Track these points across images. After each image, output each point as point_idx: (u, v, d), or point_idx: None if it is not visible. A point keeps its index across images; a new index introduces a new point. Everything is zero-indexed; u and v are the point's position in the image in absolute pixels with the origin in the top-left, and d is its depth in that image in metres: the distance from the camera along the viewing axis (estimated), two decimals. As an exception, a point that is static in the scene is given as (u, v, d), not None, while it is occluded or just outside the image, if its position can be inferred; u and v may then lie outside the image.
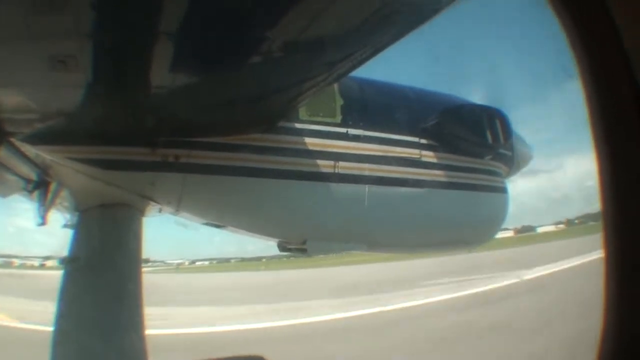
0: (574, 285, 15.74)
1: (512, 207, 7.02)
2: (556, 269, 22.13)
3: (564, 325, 11.67)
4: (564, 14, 1.80)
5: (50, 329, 5.10)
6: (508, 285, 20.46)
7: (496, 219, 6.92)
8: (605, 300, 1.77)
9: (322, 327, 16.03)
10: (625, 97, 1.67)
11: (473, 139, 6.45)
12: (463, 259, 15.48)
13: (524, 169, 7.93)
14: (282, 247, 5.97)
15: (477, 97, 7.13)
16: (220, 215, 5.71)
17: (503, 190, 6.92)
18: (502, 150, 6.94)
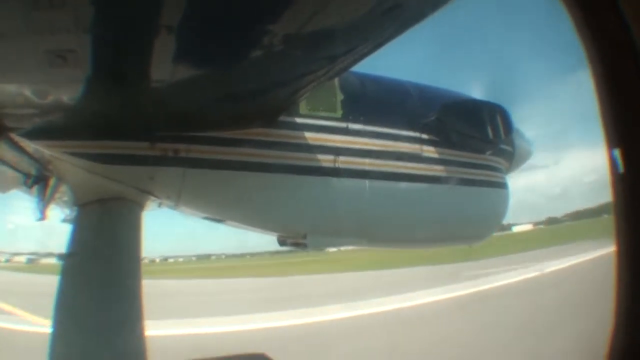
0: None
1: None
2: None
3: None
4: (574, 8, 1.79)
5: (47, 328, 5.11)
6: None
7: (496, 215, 6.92)
8: (616, 295, 1.77)
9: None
10: (636, 88, 1.66)
11: (474, 134, 6.46)
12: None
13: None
14: (281, 242, 5.95)
15: (478, 92, 7.10)
16: (220, 209, 5.69)
17: (503, 185, 6.94)
18: (502, 146, 6.96)
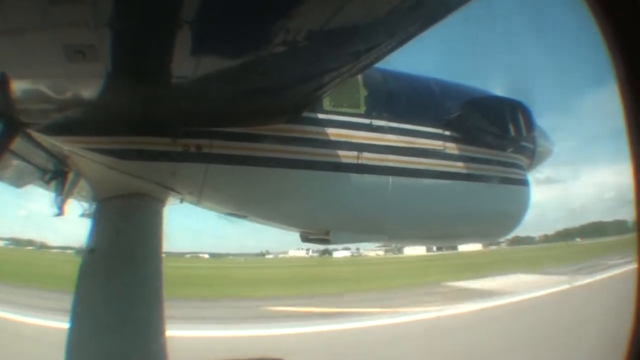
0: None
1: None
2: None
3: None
4: (602, 18, 1.70)
5: (63, 324, 5.07)
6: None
7: (518, 212, 6.87)
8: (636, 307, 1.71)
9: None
10: None
11: (496, 131, 6.42)
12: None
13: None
14: (304, 238, 5.96)
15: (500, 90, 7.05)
16: (243, 205, 5.68)
17: (524, 183, 6.89)
18: (524, 143, 6.93)
